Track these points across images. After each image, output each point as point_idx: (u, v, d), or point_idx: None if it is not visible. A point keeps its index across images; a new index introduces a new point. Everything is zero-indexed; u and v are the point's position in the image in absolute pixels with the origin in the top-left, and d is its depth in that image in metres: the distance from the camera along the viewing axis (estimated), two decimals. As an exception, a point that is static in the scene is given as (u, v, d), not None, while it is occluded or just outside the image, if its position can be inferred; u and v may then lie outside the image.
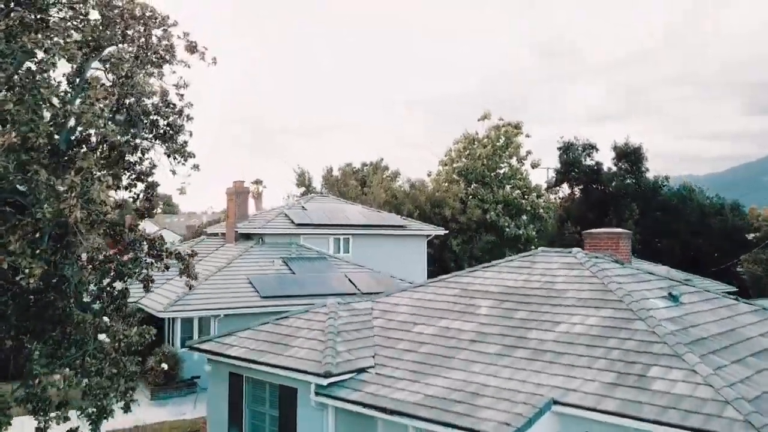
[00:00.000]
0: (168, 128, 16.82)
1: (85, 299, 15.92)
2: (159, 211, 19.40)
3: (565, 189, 70.52)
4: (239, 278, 32.95)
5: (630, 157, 67.12)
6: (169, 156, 16.84)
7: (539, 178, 60.71)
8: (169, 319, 30.27)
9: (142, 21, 17.52)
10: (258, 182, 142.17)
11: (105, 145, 14.52)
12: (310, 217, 39.58)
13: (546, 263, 21.27)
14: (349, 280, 34.77)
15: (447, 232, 46.64)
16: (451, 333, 17.95)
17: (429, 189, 56.77)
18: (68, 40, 13.16)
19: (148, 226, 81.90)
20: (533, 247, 57.80)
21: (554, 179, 63.90)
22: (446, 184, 59.05)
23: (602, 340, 15.82)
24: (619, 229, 23.69)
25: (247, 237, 38.46)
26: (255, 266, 34.58)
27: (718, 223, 63.84)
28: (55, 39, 13.55)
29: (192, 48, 18.62)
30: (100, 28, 14.43)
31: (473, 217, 54.44)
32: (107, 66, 14.24)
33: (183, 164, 17.12)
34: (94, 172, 12.81)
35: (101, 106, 12.66)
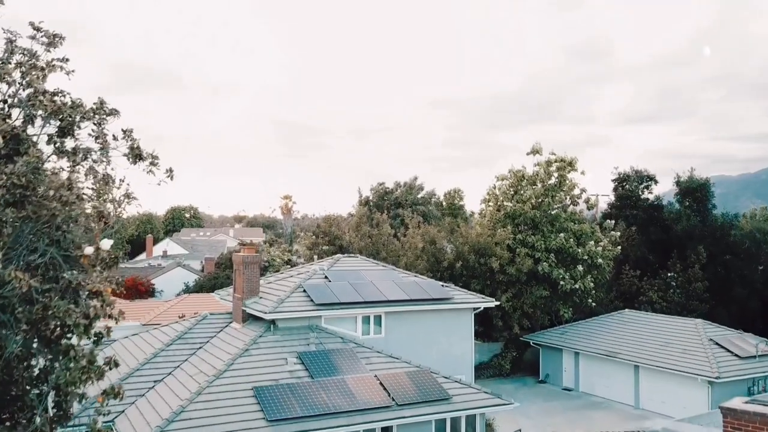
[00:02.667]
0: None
1: None
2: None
3: (614, 219, 62.71)
4: (242, 389, 25.52)
5: (695, 193, 59.17)
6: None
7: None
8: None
9: (57, 112, 10.53)
10: (287, 197, 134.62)
11: None
12: (334, 292, 32.21)
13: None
14: (380, 383, 27.42)
15: (498, 303, 39.04)
16: None
17: (472, 233, 49.13)
18: None
19: (171, 248, 74.85)
20: (590, 300, 50.23)
21: (612, 221, 55.81)
22: (491, 223, 51.55)
23: None
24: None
25: (258, 318, 31.23)
26: (263, 368, 27.16)
27: (798, 271, 55.88)
28: None
29: (136, 155, 11.58)
30: None
31: (523, 269, 46.94)
32: None
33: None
34: None
35: None
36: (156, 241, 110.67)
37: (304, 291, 32.01)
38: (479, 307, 36.06)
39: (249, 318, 31.70)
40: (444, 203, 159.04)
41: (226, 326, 32.39)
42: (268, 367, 27.41)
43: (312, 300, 31.24)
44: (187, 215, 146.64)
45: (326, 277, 34.06)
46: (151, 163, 11.59)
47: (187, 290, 58.33)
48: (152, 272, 66.24)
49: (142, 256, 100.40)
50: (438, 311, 34.49)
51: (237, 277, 32.46)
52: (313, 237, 51.02)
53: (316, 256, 45.04)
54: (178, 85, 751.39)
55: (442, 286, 36.38)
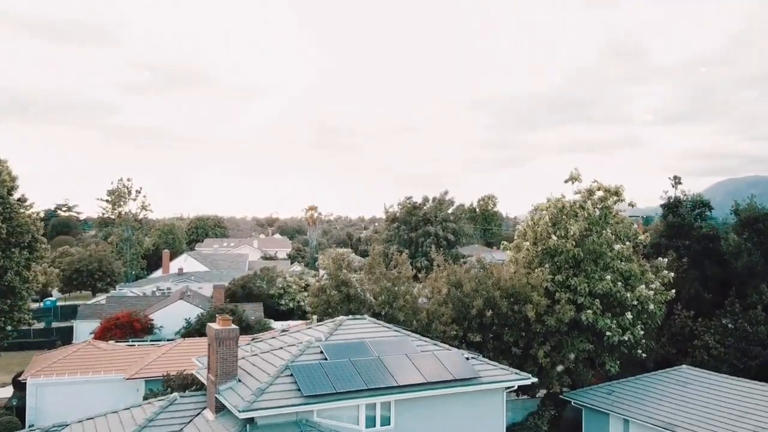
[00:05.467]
0: None
1: None
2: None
3: (664, 250, 54.76)
4: None
5: (757, 224, 51.20)
6: None
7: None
8: None
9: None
10: (312, 208, 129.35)
11: None
12: (330, 377, 25.08)
13: None
14: None
15: (536, 380, 31.76)
16: None
17: (504, 274, 41.67)
18: None
19: (188, 263, 67.70)
20: (640, 351, 42.68)
21: (664, 259, 47.84)
22: (526, 260, 44.07)
23: None
24: None
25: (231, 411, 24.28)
26: (228, 495, 20.52)
27: None
28: None
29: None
30: None
31: (564, 319, 39.53)
32: None
33: None
34: None
35: None
36: (175, 254, 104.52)
37: (292, 376, 24.98)
38: (512, 386, 28.81)
39: (224, 408, 24.83)
40: (477, 209, 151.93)
41: (198, 414, 25.55)
42: (235, 492, 20.56)
43: (300, 390, 24.21)
44: (211, 224, 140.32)
45: (322, 352, 26.99)
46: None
47: (188, 327, 51.64)
48: (155, 302, 59.78)
49: (158, 272, 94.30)
50: (462, 394, 27.32)
51: (210, 354, 25.58)
52: (321, 280, 43.94)
53: (316, 318, 38.07)
54: (213, 85, 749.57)
55: (467, 359, 29.10)
